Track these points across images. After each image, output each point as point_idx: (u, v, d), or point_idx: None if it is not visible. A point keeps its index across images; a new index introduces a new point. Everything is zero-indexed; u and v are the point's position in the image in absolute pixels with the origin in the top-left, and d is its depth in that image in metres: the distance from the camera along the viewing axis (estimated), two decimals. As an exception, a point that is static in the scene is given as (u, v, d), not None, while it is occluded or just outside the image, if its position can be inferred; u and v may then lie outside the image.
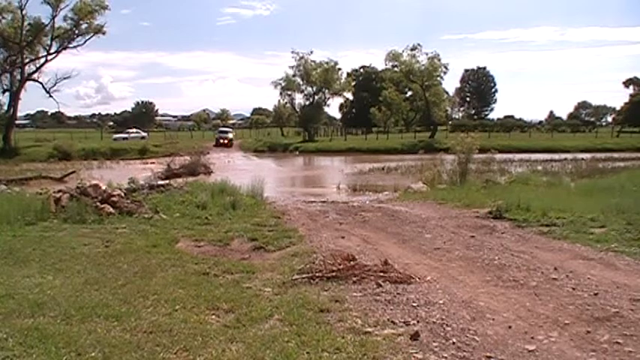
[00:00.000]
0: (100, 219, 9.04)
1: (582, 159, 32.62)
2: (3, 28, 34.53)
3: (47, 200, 9.63)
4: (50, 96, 36.67)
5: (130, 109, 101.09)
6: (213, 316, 4.46)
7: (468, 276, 5.73)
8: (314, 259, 6.16)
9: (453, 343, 3.88)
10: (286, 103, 56.79)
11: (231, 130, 53.41)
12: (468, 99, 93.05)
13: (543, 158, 32.42)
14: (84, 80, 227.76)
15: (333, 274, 5.54)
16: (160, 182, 13.89)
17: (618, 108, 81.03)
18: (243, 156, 39.61)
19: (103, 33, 35.77)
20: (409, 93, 64.13)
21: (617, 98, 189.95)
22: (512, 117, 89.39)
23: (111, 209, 9.50)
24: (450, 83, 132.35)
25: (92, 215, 9.13)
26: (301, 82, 51.89)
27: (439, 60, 50.47)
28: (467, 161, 16.16)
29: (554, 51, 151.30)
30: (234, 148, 44.71)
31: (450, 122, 74.51)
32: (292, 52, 50.88)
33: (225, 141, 45.68)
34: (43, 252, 6.66)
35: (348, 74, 61.21)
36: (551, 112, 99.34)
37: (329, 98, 53.91)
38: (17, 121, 44.53)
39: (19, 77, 35.47)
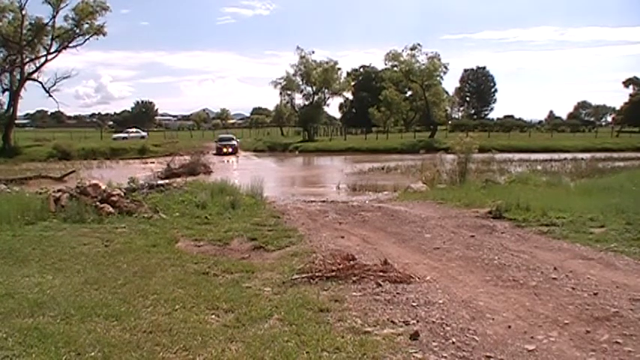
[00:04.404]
0: (99, 218, 9.03)
1: (582, 159, 32.52)
2: (3, 27, 34.47)
3: (47, 200, 9.63)
4: (50, 95, 36.57)
5: (129, 109, 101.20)
6: (213, 316, 4.46)
7: (467, 276, 5.73)
8: (314, 259, 6.15)
9: (453, 342, 3.88)
10: (287, 102, 56.76)
11: (234, 137, 45.07)
12: (467, 99, 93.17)
13: (543, 158, 32.37)
14: (83, 80, 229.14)
15: (333, 273, 5.54)
16: (160, 182, 13.89)
17: (618, 108, 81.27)
18: (243, 156, 39.57)
19: (104, 34, 35.70)
20: (409, 93, 64.07)
21: (617, 98, 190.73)
22: (512, 117, 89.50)
23: (110, 209, 9.49)
24: (450, 83, 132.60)
25: (92, 215, 9.12)
26: (301, 82, 51.92)
27: (439, 60, 50.52)
28: (466, 161, 16.16)
29: (554, 51, 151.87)
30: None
31: (450, 122, 74.65)
32: (297, 48, 50.94)
33: (230, 149, 39.61)
34: (42, 251, 6.66)
35: (348, 74, 61.34)
36: (551, 112, 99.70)
37: (329, 98, 53.96)
38: (17, 121, 44.41)
39: (18, 77, 35.35)
